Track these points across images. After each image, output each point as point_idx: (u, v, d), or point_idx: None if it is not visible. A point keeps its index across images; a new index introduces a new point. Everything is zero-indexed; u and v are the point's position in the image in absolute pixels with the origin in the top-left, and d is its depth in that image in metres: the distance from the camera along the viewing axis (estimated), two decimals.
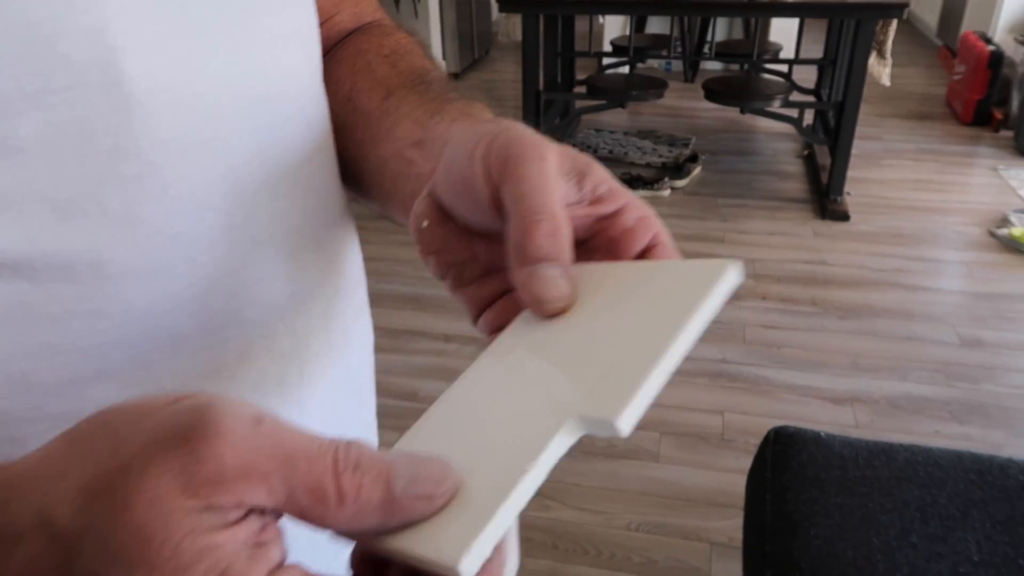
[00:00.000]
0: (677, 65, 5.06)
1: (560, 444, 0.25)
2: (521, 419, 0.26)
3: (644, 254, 0.31)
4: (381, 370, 2.45)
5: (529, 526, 1.70)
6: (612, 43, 4.06)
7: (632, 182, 3.31)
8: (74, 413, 0.31)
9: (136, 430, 0.21)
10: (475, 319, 0.34)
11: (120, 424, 0.22)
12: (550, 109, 3.55)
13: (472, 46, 5.47)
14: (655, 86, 3.34)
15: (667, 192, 3.30)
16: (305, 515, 0.22)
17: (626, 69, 4.33)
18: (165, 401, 0.22)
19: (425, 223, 0.33)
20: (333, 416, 0.46)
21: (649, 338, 0.27)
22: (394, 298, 2.63)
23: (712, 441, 1.93)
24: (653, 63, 5.11)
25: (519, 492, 0.23)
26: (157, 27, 0.30)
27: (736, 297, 2.52)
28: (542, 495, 1.77)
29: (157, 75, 0.30)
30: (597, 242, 0.31)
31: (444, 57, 5.13)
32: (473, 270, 0.33)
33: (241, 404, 0.22)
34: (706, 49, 4.10)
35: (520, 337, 0.31)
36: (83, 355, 0.31)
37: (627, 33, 3.67)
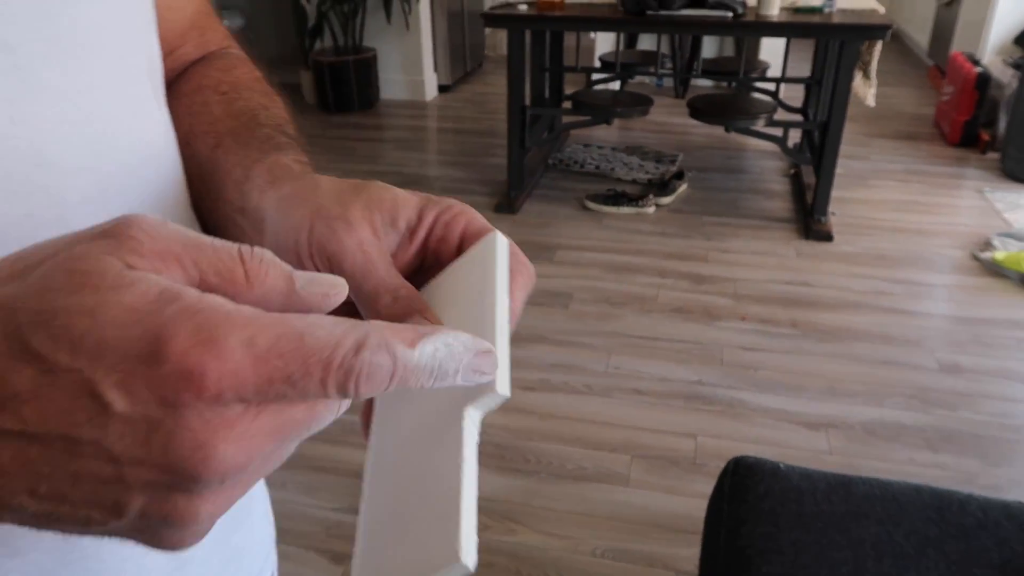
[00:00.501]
0: (670, 81, 5.07)
1: (470, 433, 0.28)
2: (432, 435, 0.30)
3: (462, 247, 0.34)
4: None
5: (494, 550, 1.67)
6: (600, 59, 4.06)
7: (617, 198, 3.30)
8: None
9: (59, 239, 0.23)
10: None
11: (37, 248, 0.23)
12: (536, 124, 3.54)
13: (464, 59, 5.47)
14: (641, 103, 3.33)
15: (651, 209, 3.29)
16: (219, 292, 0.24)
17: (617, 85, 4.34)
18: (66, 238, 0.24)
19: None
20: None
21: (480, 320, 0.30)
22: None
23: (683, 465, 1.91)
24: (645, 79, 5.13)
25: (468, 483, 0.26)
26: None
27: (715, 317, 2.51)
28: (508, 519, 1.74)
29: None
30: (430, 261, 0.35)
31: (436, 69, 5.13)
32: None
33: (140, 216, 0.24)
34: (695, 66, 4.10)
35: None
36: None
37: (619, 48, 3.66)
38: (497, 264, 0.31)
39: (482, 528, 1.72)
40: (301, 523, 1.76)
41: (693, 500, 1.78)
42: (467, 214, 0.34)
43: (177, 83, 0.48)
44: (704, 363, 2.30)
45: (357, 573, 0.30)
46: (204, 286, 0.24)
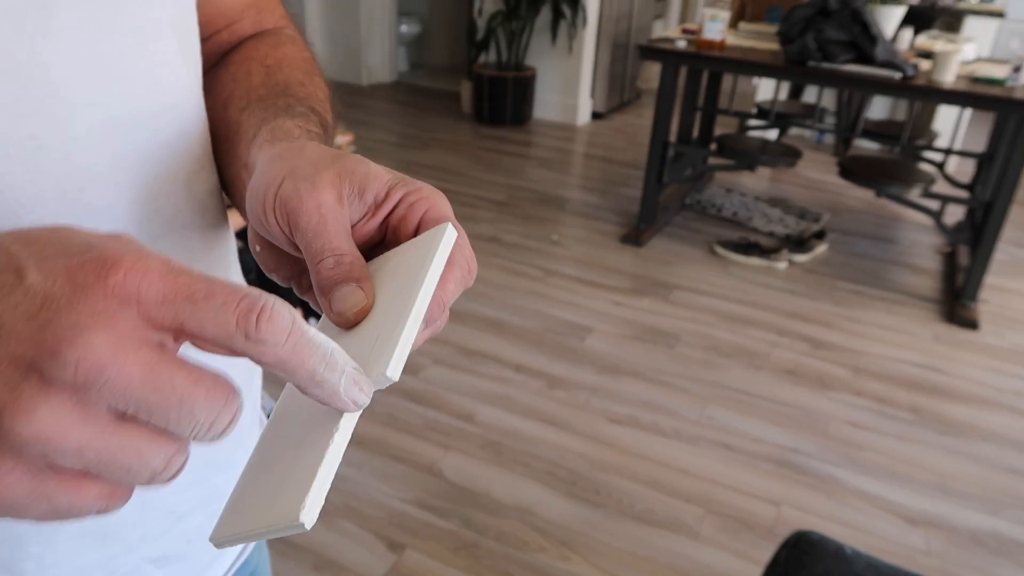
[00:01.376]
0: (832, 138, 4.86)
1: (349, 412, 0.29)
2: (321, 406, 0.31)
3: (419, 230, 0.35)
4: (444, 386, 2.50)
5: (543, 573, 1.66)
6: (757, 105, 3.95)
7: (749, 248, 3.19)
8: None
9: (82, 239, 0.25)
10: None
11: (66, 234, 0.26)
12: (679, 161, 3.50)
13: (622, 89, 5.49)
14: (788, 154, 3.21)
15: (783, 265, 3.16)
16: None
17: (775, 134, 4.21)
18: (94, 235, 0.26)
19: (257, 248, 0.38)
20: None
21: (402, 301, 0.32)
22: (477, 319, 2.66)
23: (759, 531, 1.82)
24: (805, 133, 4.94)
25: (330, 455, 0.28)
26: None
27: (827, 387, 2.38)
28: (564, 546, 1.72)
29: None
30: (390, 236, 0.36)
31: (592, 96, 5.18)
32: (306, 279, 0.38)
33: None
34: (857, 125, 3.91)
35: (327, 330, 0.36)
36: None
37: (778, 97, 3.56)
38: (438, 252, 0.32)
39: (537, 550, 1.71)
40: (367, 505, 1.81)
41: (760, 569, 1.68)
42: (431, 199, 0.35)
43: (230, 54, 0.51)
44: (805, 431, 2.18)
45: (225, 511, 0.31)
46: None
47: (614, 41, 5.15)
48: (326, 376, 0.26)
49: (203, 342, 0.25)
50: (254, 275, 1.98)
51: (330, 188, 0.34)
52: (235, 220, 2.17)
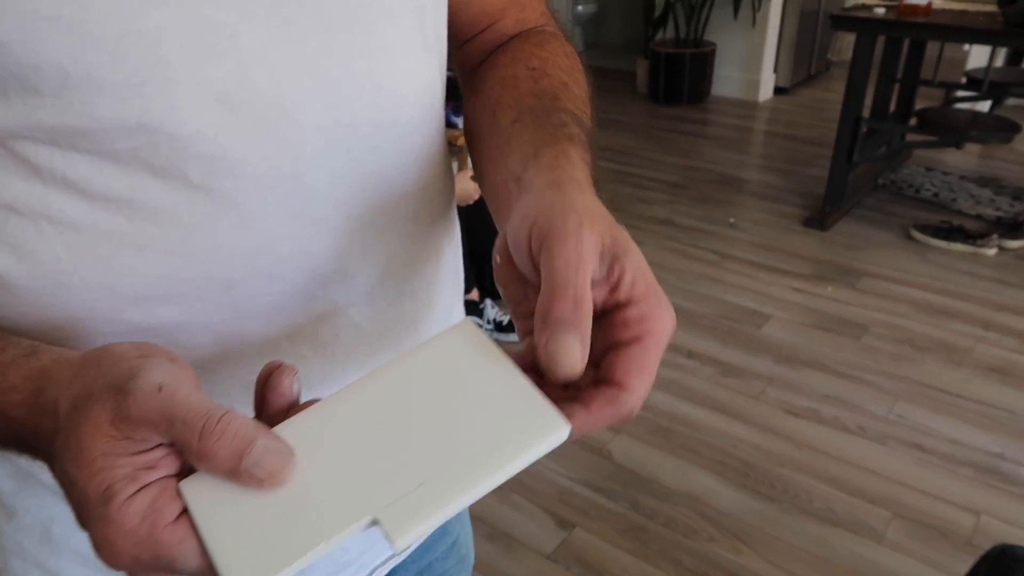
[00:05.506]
0: None
1: (352, 532, 0.31)
2: (347, 483, 0.32)
3: (626, 345, 0.34)
4: None
5: (712, 563, 1.63)
6: (967, 74, 3.57)
7: (951, 232, 2.92)
8: (145, 324, 0.41)
9: (108, 371, 0.32)
10: (522, 341, 0.39)
11: (105, 363, 0.32)
12: (872, 139, 3.25)
13: (809, 61, 5.17)
14: (1004, 128, 2.89)
15: (993, 251, 2.86)
16: (182, 453, 0.32)
17: (987, 106, 3.79)
18: (133, 354, 0.33)
19: (498, 259, 0.38)
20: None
21: (464, 468, 0.31)
22: None
23: (955, 541, 1.68)
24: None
25: (307, 558, 0.30)
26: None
27: None
28: (736, 538, 1.69)
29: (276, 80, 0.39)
30: (600, 322, 0.35)
31: (775, 70, 4.92)
32: (525, 308, 0.37)
33: (156, 371, 0.31)
34: None
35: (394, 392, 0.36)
36: (155, 280, 0.41)
37: (992, 64, 3.20)
38: (537, 446, 0.32)
39: (707, 539, 1.69)
40: (539, 482, 1.87)
41: None
42: (656, 333, 0.34)
43: (495, 54, 0.53)
44: (1013, 436, 1.98)
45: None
46: (174, 447, 0.32)
47: (802, 9, 4.84)
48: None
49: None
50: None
51: (597, 238, 0.34)
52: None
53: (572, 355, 0.32)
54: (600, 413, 0.33)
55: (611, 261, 0.34)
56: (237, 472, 0.30)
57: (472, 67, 0.56)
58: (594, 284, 0.34)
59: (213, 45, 0.36)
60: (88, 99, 0.35)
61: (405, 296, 0.52)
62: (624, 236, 0.35)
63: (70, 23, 0.33)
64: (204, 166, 0.38)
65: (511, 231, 0.36)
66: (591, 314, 0.33)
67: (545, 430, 0.32)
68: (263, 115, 0.39)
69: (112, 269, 0.40)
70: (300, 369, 0.48)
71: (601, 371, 0.34)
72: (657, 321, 0.34)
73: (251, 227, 0.41)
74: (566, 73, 0.51)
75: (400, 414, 0.34)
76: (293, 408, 0.35)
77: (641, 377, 0.33)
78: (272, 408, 0.35)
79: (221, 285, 0.42)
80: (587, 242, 0.33)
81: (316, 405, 0.35)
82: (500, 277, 0.38)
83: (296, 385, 0.35)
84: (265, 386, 0.35)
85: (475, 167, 0.51)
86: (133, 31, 0.34)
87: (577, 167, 0.40)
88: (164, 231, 0.39)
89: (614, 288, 0.34)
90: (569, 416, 0.33)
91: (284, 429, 0.33)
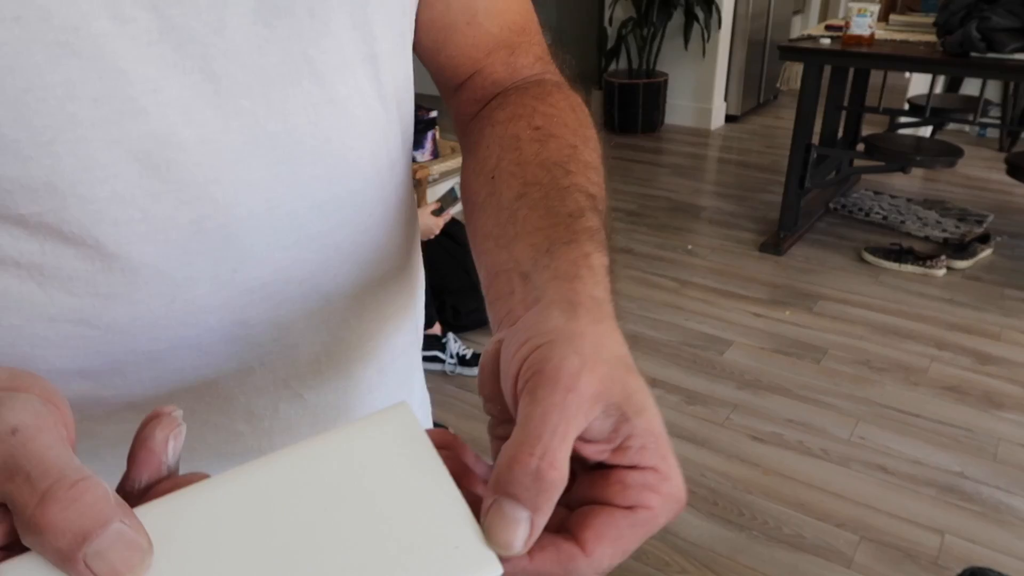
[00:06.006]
0: (994, 132, 4.48)
1: None
2: None
3: (613, 508, 0.29)
4: None
5: None
6: (909, 101, 3.70)
7: (901, 254, 2.99)
8: None
9: None
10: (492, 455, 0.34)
11: None
12: (822, 164, 3.33)
13: (759, 90, 5.30)
14: (947, 153, 2.99)
15: (942, 272, 2.94)
16: (14, 518, 0.24)
17: (928, 131, 3.92)
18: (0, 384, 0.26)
19: (485, 371, 0.33)
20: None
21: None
22: None
23: (921, 563, 1.69)
24: (964, 128, 4.57)
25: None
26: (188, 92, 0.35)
27: (996, 405, 2.20)
28: (708, 568, 1.67)
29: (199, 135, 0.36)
30: (594, 472, 0.30)
31: (726, 99, 5.03)
32: (502, 432, 0.33)
33: (18, 410, 0.24)
34: None
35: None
36: (70, 353, 0.38)
37: (932, 91, 3.32)
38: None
39: (678, 571, 1.67)
40: None
41: None
42: (657, 499, 0.29)
43: (492, 109, 0.48)
44: (971, 454, 2.01)
45: None
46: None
47: (750, 40, 4.98)
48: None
49: None
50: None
51: (598, 386, 0.28)
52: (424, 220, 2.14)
53: (511, 533, 0.27)
54: (542, 567, 0.27)
55: (617, 421, 0.28)
56: (73, 559, 0.23)
57: (467, 118, 0.51)
58: (590, 441, 0.28)
59: (131, 101, 0.33)
60: None
61: (355, 362, 0.48)
62: (640, 392, 0.29)
63: None
64: (121, 231, 0.35)
65: (504, 352, 0.31)
66: (557, 489, 0.27)
67: (468, 566, 0.26)
68: (190, 175, 0.36)
69: (23, 339, 0.37)
70: (234, 445, 0.43)
71: (571, 520, 0.29)
72: (660, 498, 0.29)
73: (176, 297, 0.38)
74: (573, 132, 0.45)
75: (298, 512, 0.27)
76: (166, 478, 0.28)
77: (612, 549, 0.28)
78: (137, 470, 0.27)
79: (144, 358, 0.39)
80: (583, 393, 0.27)
81: (198, 484, 0.27)
82: (482, 389, 0.33)
83: (172, 444, 0.27)
84: (135, 439, 0.27)
85: (470, 237, 0.44)
86: (38, 86, 0.31)
87: (599, 282, 0.35)
88: (79, 300, 0.36)
89: (618, 450, 0.29)
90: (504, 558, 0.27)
91: (150, 510, 0.26)
